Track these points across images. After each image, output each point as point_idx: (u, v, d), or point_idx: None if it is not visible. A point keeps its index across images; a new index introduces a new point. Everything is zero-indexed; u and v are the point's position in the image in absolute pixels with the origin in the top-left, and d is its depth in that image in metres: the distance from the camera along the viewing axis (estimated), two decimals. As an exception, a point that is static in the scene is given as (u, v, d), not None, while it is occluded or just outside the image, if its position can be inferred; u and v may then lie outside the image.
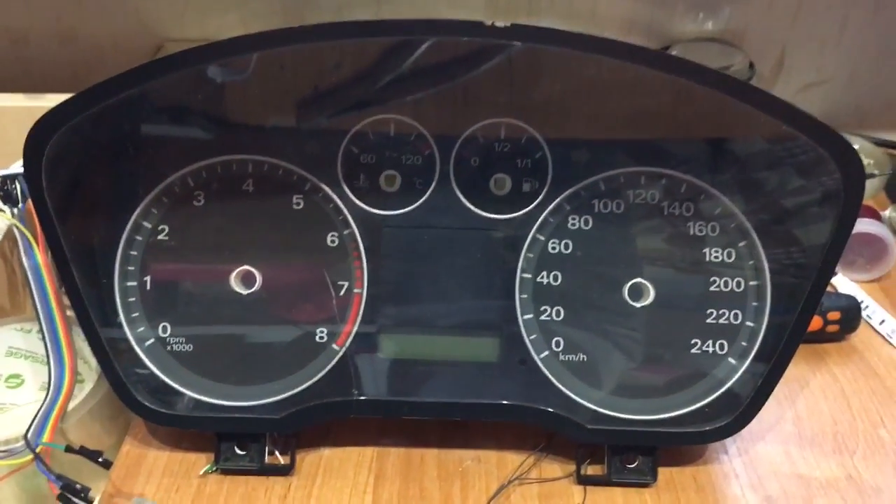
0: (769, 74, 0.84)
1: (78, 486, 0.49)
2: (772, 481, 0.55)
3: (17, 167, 0.55)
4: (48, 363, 0.55)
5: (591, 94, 0.53)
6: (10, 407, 0.58)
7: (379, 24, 0.46)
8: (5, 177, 0.56)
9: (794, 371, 0.62)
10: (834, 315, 0.64)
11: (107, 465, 0.50)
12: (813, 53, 0.83)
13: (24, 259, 0.56)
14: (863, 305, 0.67)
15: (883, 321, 0.67)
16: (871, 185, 0.78)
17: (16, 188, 0.56)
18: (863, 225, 0.70)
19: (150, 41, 0.81)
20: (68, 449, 0.50)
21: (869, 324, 0.67)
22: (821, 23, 0.81)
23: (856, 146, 0.48)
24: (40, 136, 0.48)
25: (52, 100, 0.49)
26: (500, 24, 0.44)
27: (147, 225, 0.54)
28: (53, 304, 0.55)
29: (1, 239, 0.64)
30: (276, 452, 0.54)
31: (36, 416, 0.52)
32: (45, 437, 0.50)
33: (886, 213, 0.76)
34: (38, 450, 0.49)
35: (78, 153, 0.51)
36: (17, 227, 0.55)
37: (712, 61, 0.78)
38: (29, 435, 0.50)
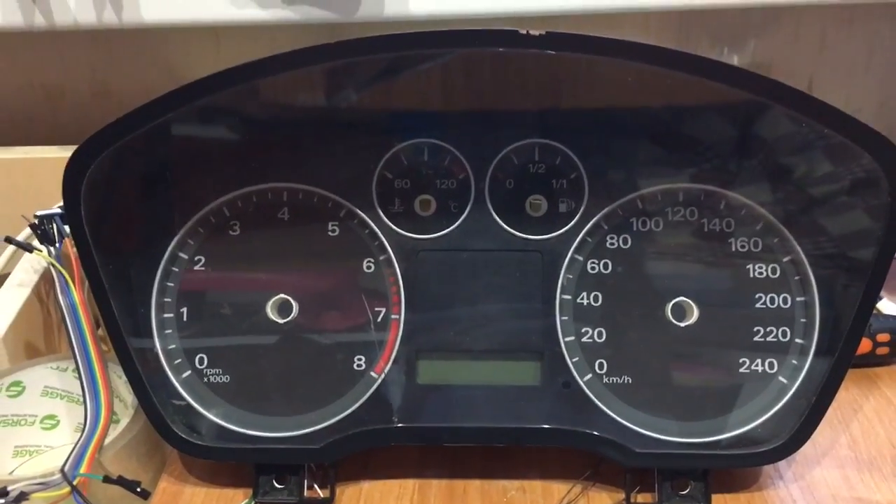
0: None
1: (115, 519, 0.48)
2: (831, 506, 0.53)
3: (55, 209, 0.56)
4: (84, 400, 0.54)
5: (626, 111, 0.53)
6: (44, 450, 0.58)
7: (410, 36, 0.46)
8: (43, 217, 0.57)
9: (845, 395, 0.60)
10: (883, 337, 0.62)
11: (145, 495, 0.49)
12: (841, 83, 0.82)
13: (60, 298, 0.56)
14: (912, 327, 0.64)
15: (934, 343, 0.65)
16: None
17: (52, 228, 0.57)
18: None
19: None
20: (106, 479, 0.49)
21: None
22: (847, 52, 0.81)
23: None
24: (80, 163, 0.49)
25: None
26: (534, 32, 0.44)
27: (183, 256, 0.54)
28: (90, 341, 0.55)
29: (38, 279, 0.64)
30: (316, 486, 0.53)
31: (73, 450, 0.51)
32: (83, 469, 0.49)
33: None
34: (75, 482, 0.48)
35: (116, 181, 0.52)
36: (54, 266, 0.56)
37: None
38: (66, 468, 0.49)
